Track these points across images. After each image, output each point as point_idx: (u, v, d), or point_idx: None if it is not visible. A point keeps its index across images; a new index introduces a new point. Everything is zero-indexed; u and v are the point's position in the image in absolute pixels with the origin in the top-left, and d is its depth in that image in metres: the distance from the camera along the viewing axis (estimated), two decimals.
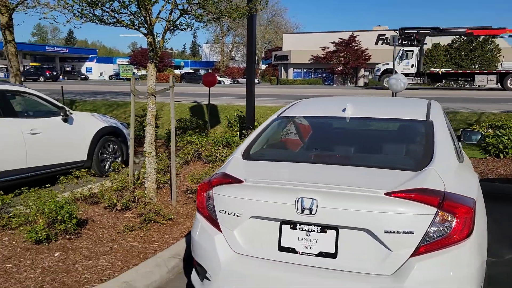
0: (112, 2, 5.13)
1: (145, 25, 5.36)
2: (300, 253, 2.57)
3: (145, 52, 57.72)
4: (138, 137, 9.75)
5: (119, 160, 7.66)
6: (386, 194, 2.42)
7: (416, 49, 32.18)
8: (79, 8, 5.14)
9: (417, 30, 30.81)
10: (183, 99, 16.59)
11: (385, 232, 2.40)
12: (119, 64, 72.81)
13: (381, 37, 52.05)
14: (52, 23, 6.39)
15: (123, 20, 5.34)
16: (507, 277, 3.89)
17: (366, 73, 53.16)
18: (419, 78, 32.15)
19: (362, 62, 50.61)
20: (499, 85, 30.80)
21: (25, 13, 9.33)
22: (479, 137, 4.53)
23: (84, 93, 22.09)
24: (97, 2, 5.08)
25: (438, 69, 33.85)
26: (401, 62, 32.13)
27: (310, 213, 2.50)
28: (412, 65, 32.38)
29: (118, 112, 14.34)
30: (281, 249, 2.62)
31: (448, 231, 2.39)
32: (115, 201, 5.05)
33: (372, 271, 2.43)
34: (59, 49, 66.30)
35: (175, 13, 5.41)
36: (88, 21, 5.33)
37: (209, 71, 67.76)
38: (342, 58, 51.23)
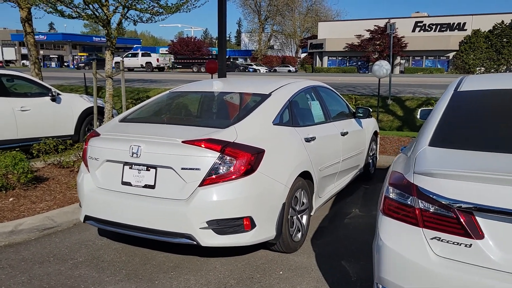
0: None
1: (103, 18, 6.46)
2: (134, 185, 3.55)
3: (183, 41, 59.61)
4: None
5: None
6: (183, 142, 3.34)
7: None
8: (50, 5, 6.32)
9: None
10: None
11: (181, 169, 3.32)
12: (160, 54, 75.26)
13: (418, 24, 51.08)
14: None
15: (85, 14, 6.46)
16: (366, 225, 4.67)
17: (403, 61, 52.40)
18: None
19: (398, 50, 49.84)
20: None
21: (34, 8, 10.70)
22: (368, 111, 5.51)
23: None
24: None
25: None
26: None
27: (137, 156, 3.46)
28: None
29: (132, 94, 15.81)
30: (123, 183, 3.60)
31: (229, 169, 3.29)
32: (72, 164, 6.19)
33: (175, 196, 3.37)
34: (105, 39, 69.37)
35: (127, 8, 6.47)
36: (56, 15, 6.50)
37: (248, 59, 68.66)
38: (377, 46, 50.74)
